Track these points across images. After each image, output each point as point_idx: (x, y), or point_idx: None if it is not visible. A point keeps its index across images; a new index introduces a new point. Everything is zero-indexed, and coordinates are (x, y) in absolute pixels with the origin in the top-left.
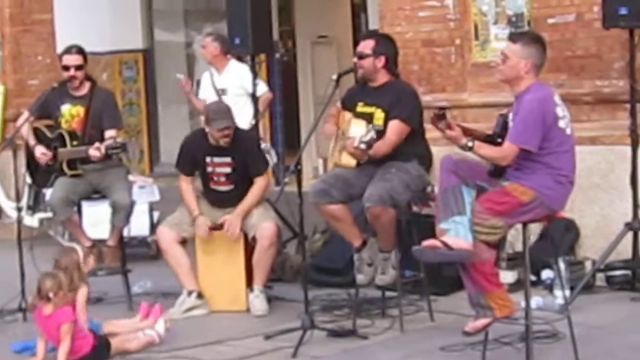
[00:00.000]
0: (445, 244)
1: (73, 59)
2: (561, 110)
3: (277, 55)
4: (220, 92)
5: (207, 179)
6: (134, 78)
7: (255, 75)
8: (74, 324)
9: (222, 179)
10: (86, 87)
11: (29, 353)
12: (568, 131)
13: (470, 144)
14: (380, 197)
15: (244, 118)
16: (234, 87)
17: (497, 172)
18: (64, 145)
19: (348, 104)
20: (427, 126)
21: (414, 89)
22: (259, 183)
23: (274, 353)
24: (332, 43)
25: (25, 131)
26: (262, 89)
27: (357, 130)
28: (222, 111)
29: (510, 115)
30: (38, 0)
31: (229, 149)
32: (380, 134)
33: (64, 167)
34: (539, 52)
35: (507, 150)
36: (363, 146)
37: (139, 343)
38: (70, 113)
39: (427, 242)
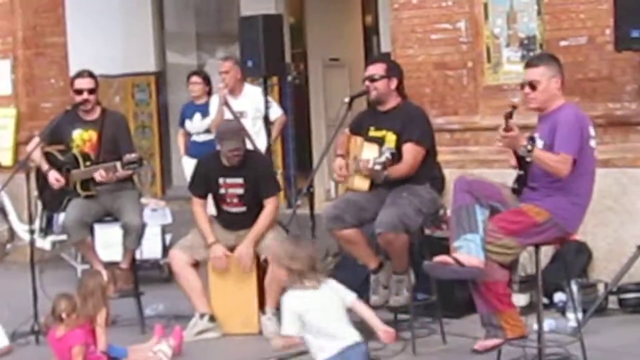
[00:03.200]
0: (456, 261)
1: (86, 82)
2: (593, 130)
3: (289, 78)
4: (239, 115)
5: (220, 201)
6: (146, 101)
7: (267, 98)
8: (85, 347)
9: (235, 200)
10: (97, 112)
11: None
12: (596, 152)
13: (530, 146)
14: (391, 223)
15: (262, 140)
16: (252, 110)
17: (520, 190)
18: (77, 166)
19: (358, 129)
20: (440, 149)
21: (424, 111)
22: (270, 206)
23: None
24: (344, 66)
25: (37, 156)
26: (277, 112)
27: (370, 153)
28: (232, 131)
29: (537, 134)
30: (51, 24)
31: (241, 169)
32: (393, 156)
33: (78, 188)
34: (561, 69)
35: (565, 159)
36: (378, 167)
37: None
38: (82, 138)
39: (438, 258)
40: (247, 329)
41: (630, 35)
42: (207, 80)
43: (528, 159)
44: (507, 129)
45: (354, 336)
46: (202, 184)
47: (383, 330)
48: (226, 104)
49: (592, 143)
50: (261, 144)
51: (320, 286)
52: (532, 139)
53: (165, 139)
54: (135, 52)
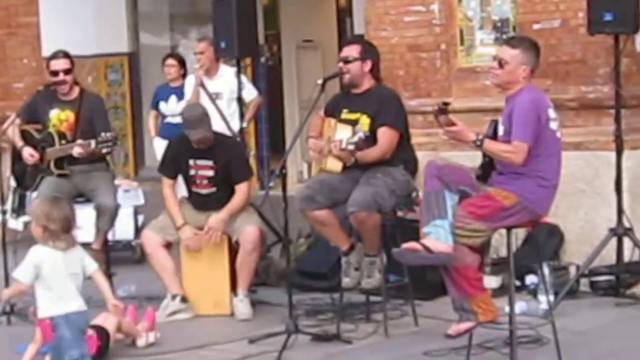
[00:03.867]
0: (425, 247)
1: (61, 64)
2: (553, 112)
3: (263, 60)
4: (215, 97)
5: (190, 182)
6: (119, 81)
7: (240, 79)
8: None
9: (205, 182)
10: (75, 92)
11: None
12: (558, 134)
13: (478, 141)
14: (365, 202)
15: (237, 122)
16: (228, 91)
17: (485, 176)
18: (53, 145)
19: (331, 111)
20: (413, 131)
21: (398, 94)
22: (242, 189)
23: (258, 357)
24: (317, 47)
25: (12, 134)
26: (252, 93)
27: (343, 134)
28: (195, 120)
29: (500, 119)
30: (23, 4)
31: (211, 152)
32: (367, 139)
33: (51, 166)
34: (536, 59)
35: (518, 147)
36: (351, 147)
37: (131, 326)
38: (59, 118)
39: (407, 245)
40: (218, 310)
41: (603, 18)
42: (182, 63)
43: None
44: (450, 123)
45: (81, 303)
46: (172, 165)
47: (112, 303)
48: (202, 84)
49: (553, 125)
50: (236, 126)
51: (68, 249)
52: (495, 123)
53: (138, 120)
54: (108, 32)
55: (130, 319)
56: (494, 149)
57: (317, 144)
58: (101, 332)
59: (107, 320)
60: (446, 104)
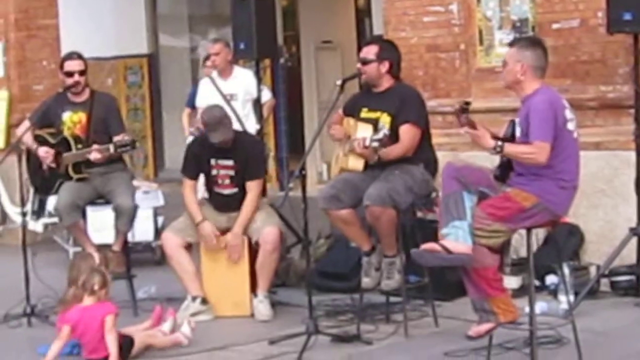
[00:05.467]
0: (444, 248)
1: (76, 64)
2: (569, 113)
3: (282, 61)
4: (229, 98)
5: (212, 183)
6: (138, 83)
7: (259, 80)
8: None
9: (227, 181)
10: (86, 93)
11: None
12: (575, 135)
13: (499, 148)
14: (379, 196)
15: (251, 123)
16: (242, 93)
17: (503, 177)
18: (68, 149)
19: (351, 111)
20: (432, 132)
21: (418, 92)
22: (252, 191)
23: (279, 358)
24: (336, 48)
25: (27, 139)
26: (267, 95)
27: (364, 133)
28: (215, 122)
29: (517, 120)
30: (43, 6)
31: (232, 151)
32: (390, 137)
33: (70, 171)
34: (534, 55)
35: (540, 147)
36: (375, 144)
37: (163, 341)
38: (72, 120)
39: (426, 246)
40: (238, 311)
41: (622, 17)
42: None
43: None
44: (470, 123)
45: None
46: (194, 165)
47: None
48: (215, 85)
49: (570, 126)
50: (250, 127)
51: None
52: (514, 123)
53: (157, 122)
54: (127, 34)
55: (155, 320)
56: (515, 152)
57: (340, 130)
58: (125, 338)
59: (136, 334)
60: (467, 103)
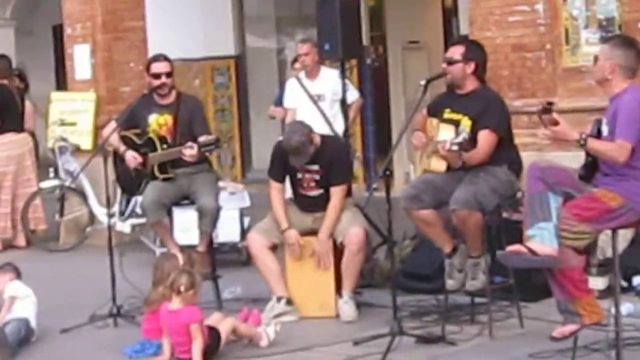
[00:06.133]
0: (530, 250)
1: (163, 66)
2: None
3: (368, 61)
4: (317, 99)
5: (297, 185)
6: (225, 84)
7: (344, 81)
8: (200, 324)
9: (312, 184)
10: (172, 96)
11: (142, 355)
12: None
13: (582, 140)
14: (466, 200)
15: (339, 123)
16: (330, 93)
17: (588, 176)
18: (154, 150)
19: (434, 111)
20: (517, 132)
21: (501, 97)
22: (337, 193)
23: (362, 359)
24: (423, 48)
25: (114, 140)
26: (354, 95)
27: (446, 134)
28: (295, 150)
29: (604, 119)
30: (130, 8)
31: (317, 155)
32: (470, 140)
33: (156, 171)
34: (625, 55)
35: (621, 146)
36: (455, 147)
37: (249, 329)
38: (158, 122)
39: (511, 248)
40: (323, 312)
41: None
42: None
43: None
44: (553, 122)
45: None
46: (280, 168)
47: None
48: (302, 86)
49: None
50: (338, 127)
51: None
52: (599, 122)
53: (244, 122)
54: (214, 35)
55: (252, 322)
56: (598, 147)
57: (421, 137)
58: (212, 332)
59: (220, 322)
60: (550, 103)
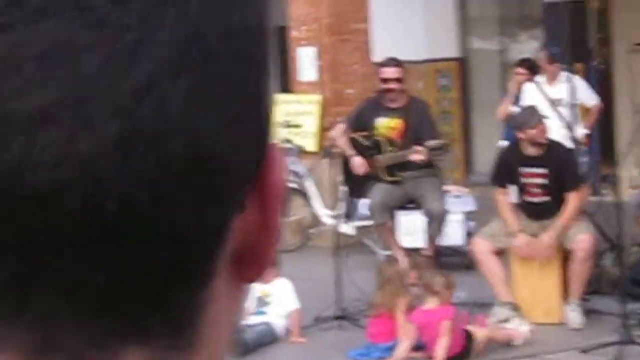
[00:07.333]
0: None
1: (391, 72)
2: None
3: (594, 64)
4: (556, 103)
5: (523, 191)
6: (448, 87)
7: (580, 85)
8: (452, 323)
9: (537, 190)
10: (403, 99)
11: (367, 359)
12: None
13: None
14: None
15: (578, 129)
16: (569, 98)
17: None
18: (379, 152)
19: None
20: None
21: None
22: (573, 199)
23: None
24: None
25: (343, 142)
26: (593, 98)
27: None
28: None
29: None
30: (354, 10)
31: (544, 159)
32: None
33: (383, 173)
34: None
35: None
36: None
37: (505, 335)
38: (388, 126)
39: None
40: (549, 318)
41: None
42: (532, 70)
43: None
44: None
45: None
46: (503, 173)
47: None
48: (541, 90)
49: None
50: (579, 133)
51: None
52: None
53: (467, 125)
54: (437, 38)
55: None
56: None
57: None
58: (467, 335)
59: (479, 331)
60: None
